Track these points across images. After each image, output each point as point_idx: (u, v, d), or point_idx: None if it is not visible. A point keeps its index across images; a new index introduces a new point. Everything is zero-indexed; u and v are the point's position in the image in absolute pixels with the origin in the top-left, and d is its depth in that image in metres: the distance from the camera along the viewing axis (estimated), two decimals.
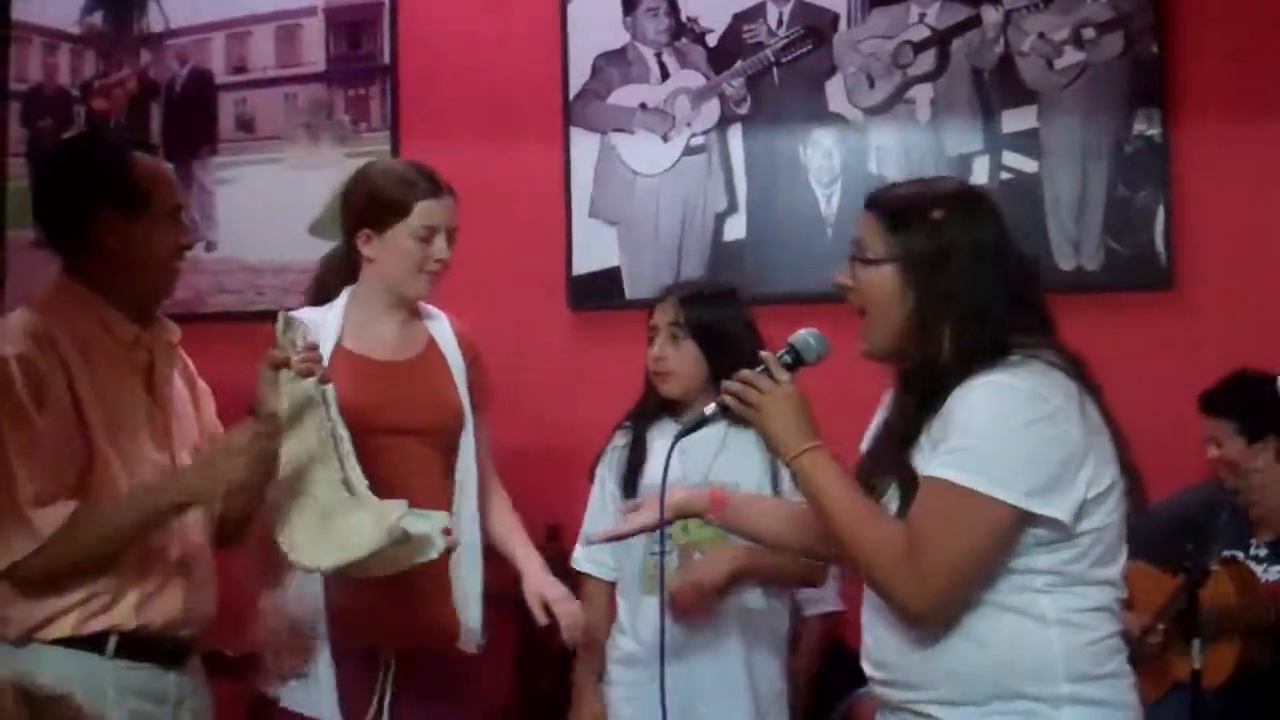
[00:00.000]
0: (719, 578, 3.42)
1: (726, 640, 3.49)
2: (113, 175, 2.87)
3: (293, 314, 2.93)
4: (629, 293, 4.97)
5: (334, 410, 2.86)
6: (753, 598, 3.52)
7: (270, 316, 2.93)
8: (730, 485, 3.31)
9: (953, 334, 2.42)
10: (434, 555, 2.87)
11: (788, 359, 2.55)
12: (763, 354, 2.56)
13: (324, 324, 3.37)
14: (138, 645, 2.78)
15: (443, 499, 3.37)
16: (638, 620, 3.53)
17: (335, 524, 2.79)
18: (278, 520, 2.83)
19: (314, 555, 2.81)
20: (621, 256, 5.00)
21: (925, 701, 2.41)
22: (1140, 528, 4.13)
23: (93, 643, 2.74)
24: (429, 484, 3.36)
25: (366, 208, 3.43)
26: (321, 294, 3.53)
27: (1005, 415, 2.34)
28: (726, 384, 2.53)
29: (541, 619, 3.43)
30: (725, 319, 3.53)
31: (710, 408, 2.60)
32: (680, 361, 3.51)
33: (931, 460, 2.37)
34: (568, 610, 3.44)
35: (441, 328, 3.56)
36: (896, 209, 2.50)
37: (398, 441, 3.33)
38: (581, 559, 3.67)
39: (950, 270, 2.43)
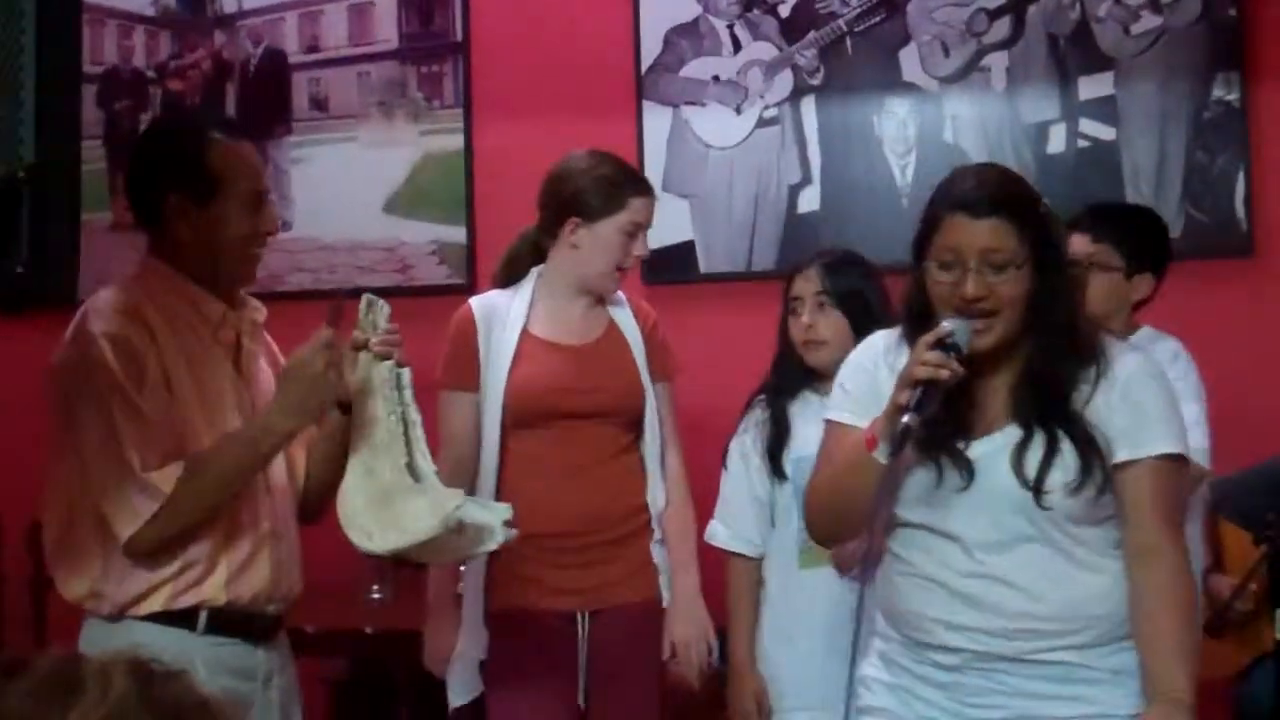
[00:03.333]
0: None
1: None
2: (183, 161, 2.87)
3: (376, 297, 2.94)
4: (703, 266, 4.97)
5: (408, 394, 2.87)
6: None
7: (346, 295, 2.93)
8: None
9: (1075, 310, 2.66)
10: (493, 546, 2.89)
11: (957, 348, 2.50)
12: (947, 327, 2.50)
13: (510, 308, 3.46)
14: (227, 620, 2.79)
15: (630, 477, 3.52)
16: (792, 594, 3.50)
17: (395, 507, 2.80)
18: (341, 498, 2.85)
19: (371, 536, 2.82)
20: (695, 230, 4.99)
21: (1062, 648, 2.56)
22: (1234, 492, 4.14)
23: (184, 618, 2.76)
24: (618, 465, 3.51)
25: (581, 195, 3.46)
26: (511, 273, 3.59)
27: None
28: (927, 357, 2.46)
29: (667, 653, 3.51)
30: (867, 287, 3.47)
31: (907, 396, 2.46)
32: (830, 330, 3.44)
33: (1159, 439, 2.57)
34: (689, 659, 3.51)
35: (622, 311, 3.61)
36: (1022, 210, 2.57)
37: (584, 425, 3.47)
38: (727, 538, 3.60)
39: (1063, 255, 2.68)
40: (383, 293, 2.98)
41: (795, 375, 3.52)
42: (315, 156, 5.32)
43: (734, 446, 3.59)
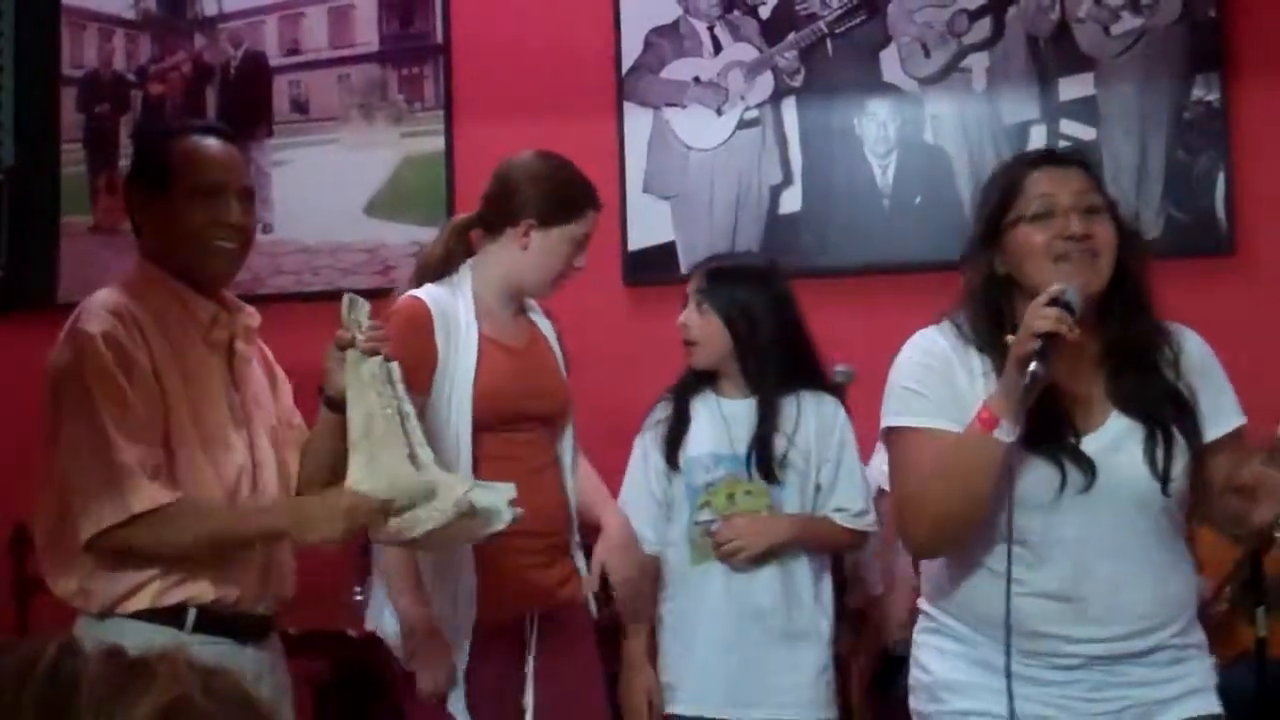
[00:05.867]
0: (775, 540, 3.46)
1: (774, 607, 3.49)
2: (141, 155, 2.95)
3: (357, 296, 2.94)
4: (684, 267, 4.95)
5: (400, 388, 2.87)
6: (799, 568, 3.52)
7: (326, 297, 2.94)
8: (782, 453, 3.46)
9: (1146, 276, 2.67)
10: (500, 527, 2.88)
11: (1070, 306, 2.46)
12: (1059, 287, 2.47)
13: (458, 309, 3.33)
14: (215, 619, 2.79)
15: (562, 481, 3.45)
16: (684, 591, 3.53)
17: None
18: None
19: (385, 530, 2.83)
20: (676, 231, 5.00)
21: (1170, 635, 2.64)
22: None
23: (172, 616, 2.75)
24: (554, 469, 3.45)
25: (541, 199, 3.37)
26: (447, 268, 3.43)
27: None
28: (1046, 311, 2.42)
29: (594, 585, 3.44)
30: (749, 295, 3.50)
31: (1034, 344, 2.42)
32: (702, 332, 3.51)
33: (1234, 412, 2.71)
34: (623, 595, 3.47)
35: (537, 314, 3.55)
36: (1094, 168, 2.71)
37: (529, 429, 3.39)
38: None
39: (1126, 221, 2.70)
40: (365, 294, 2.98)
41: (697, 374, 3.58)
42: (296, 159, 5.31)
43: (636, 443, 3.64)
